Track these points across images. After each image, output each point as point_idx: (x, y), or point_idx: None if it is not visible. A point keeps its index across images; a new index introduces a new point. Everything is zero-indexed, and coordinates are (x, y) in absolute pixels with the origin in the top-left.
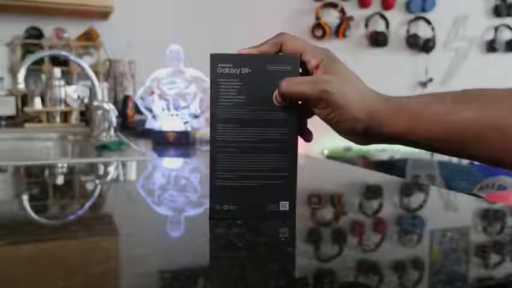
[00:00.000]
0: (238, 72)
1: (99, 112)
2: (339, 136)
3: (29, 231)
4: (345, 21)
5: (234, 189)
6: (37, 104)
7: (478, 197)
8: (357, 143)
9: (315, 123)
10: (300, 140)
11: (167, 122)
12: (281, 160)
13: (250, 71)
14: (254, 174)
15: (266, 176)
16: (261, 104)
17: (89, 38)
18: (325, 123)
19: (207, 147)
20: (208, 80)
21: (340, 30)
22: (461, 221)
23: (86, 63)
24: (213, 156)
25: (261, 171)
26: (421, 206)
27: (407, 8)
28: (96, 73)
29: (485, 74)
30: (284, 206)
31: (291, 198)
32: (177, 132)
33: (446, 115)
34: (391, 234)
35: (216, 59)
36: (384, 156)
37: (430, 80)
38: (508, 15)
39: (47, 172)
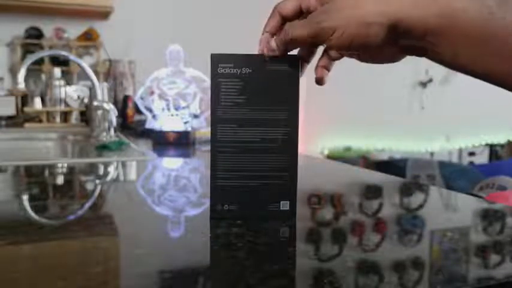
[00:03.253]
0: (238, 72)
1: (99, 112)
2: (339, 136)
3: (29, 231)
4: None
5: (235, 189)
6: (37, 104)
7: (478, 197)
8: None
9: (315, 123)
10: (300, 140)
11: (167, 122)
12: (281, 160)
13: (250, 71)
14: (254, 174)
15: (266, 176)
16: (261, 104)
17: (89, 38)
18: (324, 122)
19: (207, 147)
20: (208, 80)
21: None
22: (461, 221)
23: (86, 63)
24: (214, 156)
25: (262, 171)
26: (421, 206)
27: None
28: (96, 73)
29: None
30: (284, 205)
31: (291, 198)
32: (177, 132)
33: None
34: (391, 234)
35: (217, 59)
36: (384, 156)
37: (430, 80)
38: None
39: (47, 172)
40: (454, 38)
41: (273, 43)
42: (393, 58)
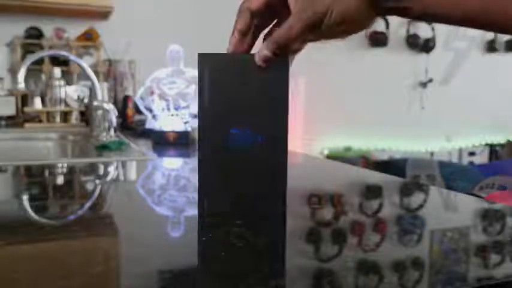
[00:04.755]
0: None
1: (99, 112)
2: (339, 136)
3: (29, 231)
4: None
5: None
6: (37, 104)
7: (478, 197)
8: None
9: (315, 123)
10: (300, 140)
11: (167, 122)
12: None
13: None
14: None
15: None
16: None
17: (89, 38)
18: (324, 122)
19: None
20: None
21: None
22: (461, 221)
23: (86, 63)
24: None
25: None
26: (421, 206)
27: None
28: (96, 73)
29: (485, 74)
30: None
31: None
32: (177, 132)
33: None
34: (391, 234)
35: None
36: (384, 156)
37: (430, 80)
38: None
39: (47, 172)
40: None
41: (265, 52)
42: (368, 23)
